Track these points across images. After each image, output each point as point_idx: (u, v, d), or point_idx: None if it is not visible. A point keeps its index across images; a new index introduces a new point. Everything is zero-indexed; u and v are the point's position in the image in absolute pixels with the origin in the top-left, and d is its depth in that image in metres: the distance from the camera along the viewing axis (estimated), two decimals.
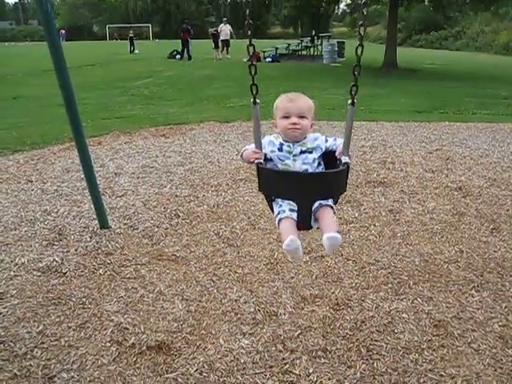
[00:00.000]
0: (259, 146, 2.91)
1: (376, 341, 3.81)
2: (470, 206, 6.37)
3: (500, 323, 4.04)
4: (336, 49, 31.36)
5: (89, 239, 5.36)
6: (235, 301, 4.28)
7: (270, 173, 2.85)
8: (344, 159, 2.81)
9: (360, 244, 5.33)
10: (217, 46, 32.29)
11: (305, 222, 2.90)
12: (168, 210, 6.14)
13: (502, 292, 4.48)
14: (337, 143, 2.96)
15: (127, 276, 4.65)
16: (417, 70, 25.65)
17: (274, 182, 2.83)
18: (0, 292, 4.37)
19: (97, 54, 37.10)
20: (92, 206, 5.68)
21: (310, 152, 2.94)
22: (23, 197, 6.58)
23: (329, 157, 2.96)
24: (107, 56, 35.06)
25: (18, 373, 3.44)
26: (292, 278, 4.65)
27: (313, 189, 2.77)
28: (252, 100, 2.82)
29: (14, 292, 4.38)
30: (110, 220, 5.72)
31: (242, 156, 3.05)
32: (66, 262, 4.89)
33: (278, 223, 2.92)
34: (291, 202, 2.88)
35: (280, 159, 2.92)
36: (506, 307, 4.25)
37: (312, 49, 36.21)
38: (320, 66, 27.98)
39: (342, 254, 5.07)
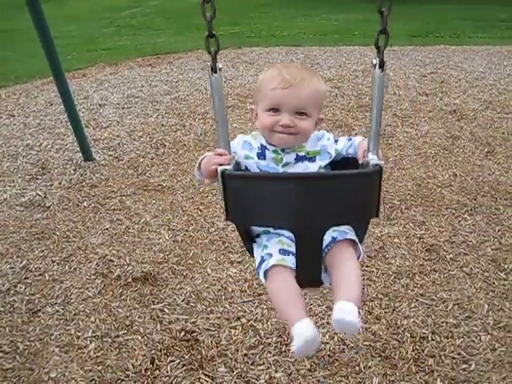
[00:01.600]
0: (226, 144, 1.84)
1: (367, 266, 3.75)
2: (464, 130, 6.21)
3: (493, 246, 3.99)
4: None
5: (73, 172, 5.23)
6: (223, 229, 4.20)
7: (245, 181, 1.76)
8: (372, 159, 1.76)
9: None
10: None
11: (310, 270, 1.82)
12: (154, 140, 5.99)
13: (496, 215, 4.41)
14: (354, 143, 1.99)
15: (112, 208, 4.55)
16: None
17: (253, 198, 1.71)
18: None
19: None
20: (76, 138, 5.51)
21: (312, 159, 1.93)
22: (5, 132, 6.40)
23: (341, 165, 1.99)
24: None
25: (1, 309, 3.40)
26: None
27: (321, 204, 1.65)
28: (210, 64, 1.78)
29: None
30: (94, 152, 5.58)
31: (198, 167, 2.00)
32: (50, 195, 4.78)
33: (264, 276, 1.84)
34: (283, 239, 1.89)
35: (261, 170, 1.92)
36: (499, 230, 4.19)
37: None
38: None
39: None
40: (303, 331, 1.66)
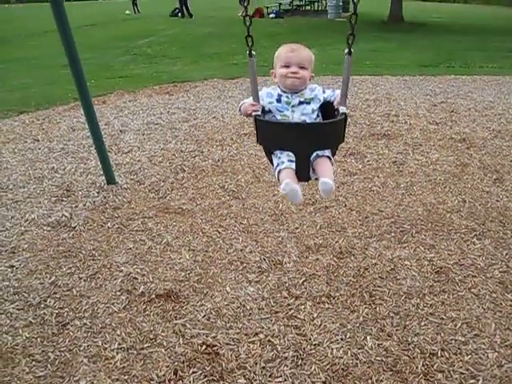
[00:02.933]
0: (256, 98, 2.86)
1: (379, 287, 3.91)
2: (473, 157, 6.40)
3: (500, 269, 4.13)
4: (341, 3, 30.72)
5: (96, 194, 5.45)
6: (241, 250, 4.39)
7: (268, 124, 2.81)
8: (342, 109, 2.78)
9: (364, 195, 5.39)
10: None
11: (303, 172, 2.87)
12: (173, 165, 6.21)
13: (504, 240, 4.56)
14: (335, 94, 2.92)
15: (135, 229, 4.75)
16: (423, 24, 25.23)
17: (272, 134, 2.81)
18: (12, 246, 4.49)
19: (97, 14, 36.53)
20: (98, 162, 5.75)
21: (308, 103, 2.91)
22: (30, 155, 6.65)
23: (327, 108, 2.93)
24: (108, 15, 34.54)
25: (32, 321, 3.58)
26: (296, 228, 4.74)
27: (310, 139, 2.74)
28: (247, 52, 2.75)
29: (26, 246, 4.49)
30: (116, 176, 5.80)
31: (239, 110, 3.01)
32: (75, 216, 4.99)
33: (278, 175, 2.89)
34: (290, 153, 2.85)
35: (279, 110, 2.89)
36: (506, 254, 4.34)
37: (316, 4, 35.50)
38: (324, 22, 27.53)
39: (345, 205, 5.15)
40: (285, 181, 2.68)
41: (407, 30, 22.06)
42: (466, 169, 6.05)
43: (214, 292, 3.87)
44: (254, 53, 2.75)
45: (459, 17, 31.16)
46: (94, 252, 4.40)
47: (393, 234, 4.63)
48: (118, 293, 3.87)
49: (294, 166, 2.84)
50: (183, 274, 4.08)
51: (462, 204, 5.19)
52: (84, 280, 4.03)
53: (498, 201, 5.26)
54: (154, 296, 3.81)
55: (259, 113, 2.82)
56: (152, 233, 4.68)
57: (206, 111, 8.56)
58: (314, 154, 2.83)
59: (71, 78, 5.16)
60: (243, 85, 10.63)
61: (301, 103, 2.90)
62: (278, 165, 2.88)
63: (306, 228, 4.74)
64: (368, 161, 6.28)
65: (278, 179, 2.88)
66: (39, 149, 6.88)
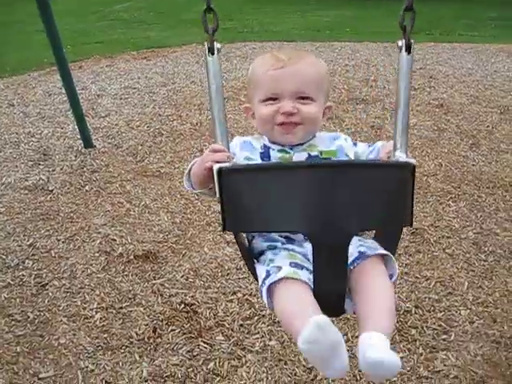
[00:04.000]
0: (223, 138, 1.56)
1: None
2: (450, 123, 6.44)
3: (474, 231, 4.22)
4: None
5: (74, 158, 5.41)
6: (219, 212, 4.38)
7: (249, 175, 1.44)
8: (400, 157, 1.54)
9: None
10: None
11: (331, 292, 1.41)
12: (151, 129, 6.18)
13: (478, 202, 4.64)
14: (377, 147, 1.78)
15: (113, 192, 4.75)
16: None
17: (259, 196, 1.39)
18: None
19: None
20: (76, 126, 5.69)
21: (327, 160, 1.65)
22: (6, 120, 6.56)
23: None
24: None
25: (11, 282, 3.59)
26: None
27: (347, 199, 1.33)
28: (207, 45, 1.60)
29: (3, 209, 4.48)
30: (93, 140, 5.76)
31: (188, 174, 1.69)
32: (53, 180, 4.96)
33: (268, 296, 1.45)
34: (294, 253, 1.53)
35: None
36: (481, 216, 4.42)
37: None
38: None
39: None
40: (314, 319, 1.25)
41: None
42: (443, 134, 6.10)
43: (192, 253, 3.90)
44: (218, 46, 1.60)
45: None
46: (71, 214, 4.39)
47: None
48: (97, 254, 3.88)
49: (305, 276, 1.43)
50: (161, 235, 4.10)
51: (438, 168, 5.25)
52: (62, 242, 4.03)
53: (473, 165, 5.33)
54: (132, 257, 3.83)
55: (228, 164, 1.48)
56: (130, 195, 4.68)
57: (185, 76, 8.47)
58: (355, 253, 1.49)
59: (47, 44, 5.09)
60: (221, 51, 10.44)
61: (312, 159, 1.64)
62: (267, 275, 1.46)
63: None
64: (346, 125, 6.29)
65: (270, 304, 1.45)
66: (15, 113, 6.79)
